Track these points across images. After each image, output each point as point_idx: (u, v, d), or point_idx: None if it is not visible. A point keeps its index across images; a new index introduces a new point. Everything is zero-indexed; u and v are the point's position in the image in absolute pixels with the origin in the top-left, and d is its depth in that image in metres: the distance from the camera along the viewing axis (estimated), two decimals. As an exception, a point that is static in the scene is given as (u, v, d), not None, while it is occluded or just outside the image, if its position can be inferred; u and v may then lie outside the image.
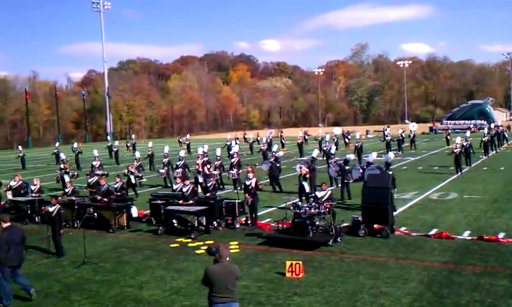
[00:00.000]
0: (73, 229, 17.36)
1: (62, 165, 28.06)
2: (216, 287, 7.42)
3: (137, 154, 29.81)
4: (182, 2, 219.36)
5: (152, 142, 41.60)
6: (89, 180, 21.79)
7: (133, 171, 25.39)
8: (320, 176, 24.10)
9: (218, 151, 28.59)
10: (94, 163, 29.43)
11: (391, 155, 23.61)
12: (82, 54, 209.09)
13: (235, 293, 7.49)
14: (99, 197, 18.60)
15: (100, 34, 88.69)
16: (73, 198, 19.11)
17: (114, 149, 46.42)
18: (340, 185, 22.72)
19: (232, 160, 26.67)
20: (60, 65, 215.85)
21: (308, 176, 20.37)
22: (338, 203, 19.11)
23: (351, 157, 24.64)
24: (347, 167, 22.15)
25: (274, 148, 29.48)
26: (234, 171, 25.26)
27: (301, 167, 20.82)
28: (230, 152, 34.35)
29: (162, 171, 27.73)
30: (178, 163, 27.64)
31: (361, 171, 20.61)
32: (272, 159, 26.60)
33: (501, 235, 14.66)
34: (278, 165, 26.12)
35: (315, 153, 25.74)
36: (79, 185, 24.70)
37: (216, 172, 25.57)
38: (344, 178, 21.92)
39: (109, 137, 66.18)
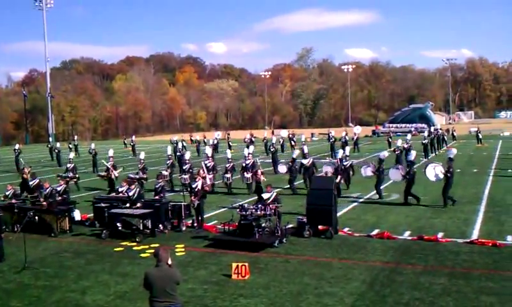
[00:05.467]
0: (13, 233, 16.84)
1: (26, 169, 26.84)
2: (155, 291, 7.42)
3: (142, 155, 28.40)
4: (128, 2, 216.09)
5: (94, 144, 40.62)
6: (31, 183, 21.14)
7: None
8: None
9: (229, 154, 27.34)
10: (108, 164, 27.59)
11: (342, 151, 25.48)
12: (24, 53, 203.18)
13: (174, 297, 7.47)
14: (41, 200, 18.11)
15: (42, 33, 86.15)
16: (14, 201, 18.54)
17: (56, 151, 45.25)
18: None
19: (207, 163, 25.36)
20: (0, 64, 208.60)
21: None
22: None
23: (385, 154, 24.98)
24: (384, 166, 22.53)
25: (295, 154, 27.58)
26: (211, 175, 23.90)
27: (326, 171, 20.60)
28: (177, 154, 34.03)
29: (165, 173, 26.63)
30: (185, 167, 25.89)
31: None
32: (289, 161, 25.85)
33: (440, 235, 15.19)
34: (296, 167, 25.13)
35: (229, 154, 26.91)
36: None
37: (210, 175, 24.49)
38: (380, 178, 22.13)
39: (50, 139, 64.39)
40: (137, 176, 25.32)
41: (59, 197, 18.55)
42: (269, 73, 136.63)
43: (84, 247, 15.54)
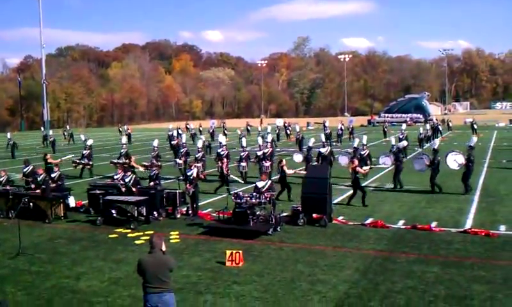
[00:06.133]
0: (7, 219, 16.85)
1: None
2: (148, 277, 7.45)
3: (155, 142, 27.76)
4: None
5: (83, 136, 39.79)
6: (25, 170, 21.09)
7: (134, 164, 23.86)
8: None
9: (244, 142, 26.76)
10: (153, 153, 26.63)
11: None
12: (19, 39, 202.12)
13: (167, 283, 7.49)
14: (34, 187, 18.09)
15: (38, 19, 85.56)
16: (8, 187, 18.51)
17: (50, 139, 45.16)
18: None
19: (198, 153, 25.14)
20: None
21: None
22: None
23: (405, 143, 24.73)
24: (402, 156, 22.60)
25: (311, 142, 26.94)
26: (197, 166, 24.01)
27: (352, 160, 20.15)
28: (172, 142, 33.86)
29: (179, 161, 26.04)
30: (197, 155, 25.25)
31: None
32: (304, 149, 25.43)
33: (433, 224, 15.27)
34: (312, 155, 24.67)
35: (244, 142, 26.37)
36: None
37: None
38: (399, 167, 22.02)
39: (42, 128, 63.96)
40: (148, 165, 24.97)
41: (53, 184, 18.52)
42: (266, 61, 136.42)
43: (78, 233, 15.54)
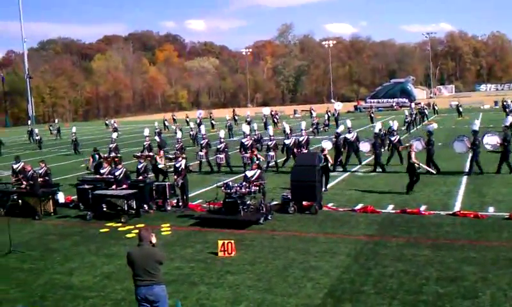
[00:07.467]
0: (-4, 217, 16.74)
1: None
2: (136, 270, 7.48)
3: (179, 134, 27.29)
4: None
5: (75, 127, 40.06)
6: (15, 166, 20.88)
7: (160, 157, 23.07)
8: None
9: (271, 131, 26.38)
10: (177, 145, 25.86)
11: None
12: (0, 33, 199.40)
13: (156, 276, 7.49)
14: (24, 183, 17.94)
15: (18, 13, 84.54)
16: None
17: (37, 137, 44.95)
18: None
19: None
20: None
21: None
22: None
23: (434, 126, 24.87)
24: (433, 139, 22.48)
25: (340, 129, 26.56)
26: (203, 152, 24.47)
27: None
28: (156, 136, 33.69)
29: (201, 153, 25.35)
30: (202, 142, 25.26)
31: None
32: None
33: (423, 208, 15.41)
34: (341, 141, 24.41)
35: (271, 131, 26.18)
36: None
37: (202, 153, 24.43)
38: (430, 151, 21.82)
39: (29, 121, 63.24)
40: (172, 157, 24.44)
41: (41, 179, 18.38)
42: (250, 50, 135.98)
43: (69, 229, 15.49)
